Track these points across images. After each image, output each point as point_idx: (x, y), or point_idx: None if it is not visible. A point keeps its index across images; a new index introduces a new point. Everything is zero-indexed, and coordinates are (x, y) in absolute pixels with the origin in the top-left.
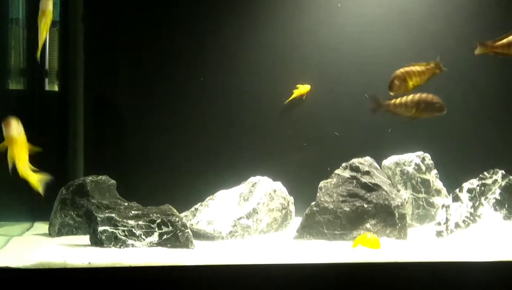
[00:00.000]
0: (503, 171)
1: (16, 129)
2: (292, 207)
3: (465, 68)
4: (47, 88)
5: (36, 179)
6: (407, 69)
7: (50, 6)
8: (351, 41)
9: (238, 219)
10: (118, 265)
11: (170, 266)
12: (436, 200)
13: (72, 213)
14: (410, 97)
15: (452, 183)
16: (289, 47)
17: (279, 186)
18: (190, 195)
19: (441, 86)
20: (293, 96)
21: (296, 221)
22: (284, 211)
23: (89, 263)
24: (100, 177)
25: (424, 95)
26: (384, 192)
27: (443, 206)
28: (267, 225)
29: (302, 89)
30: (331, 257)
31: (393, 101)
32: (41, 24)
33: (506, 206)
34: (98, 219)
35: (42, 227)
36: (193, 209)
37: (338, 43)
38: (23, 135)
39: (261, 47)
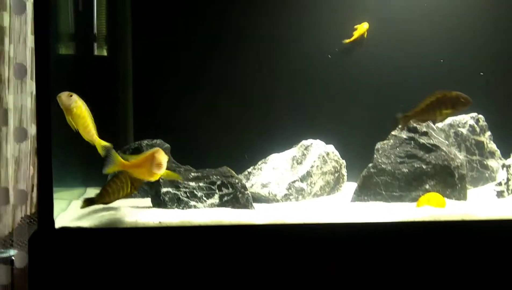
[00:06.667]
0: None
1: (67, 101)
2: (344, 171)
3: None
4: (96, 52)
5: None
6: None
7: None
8: None
9: (292, 182)
10: (188, 224)
11: (240, 225)
12: (490, 162)
13: None
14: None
15: (506, 145)
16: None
17: (331, 149)
18: (242, 160)
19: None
20: (354, 37)
21: (347, 185)
22: (336, 175)
23: (159, 222)
24: (155, 140)
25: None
26: (443, 153)
27: (503, 166)
28: (320, 188)
29: (360, 28)
30: (399, 216)
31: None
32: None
33: None
34: (161, 180)
35: (96, 192)
36: (246, 172)
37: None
38: (78, 105)
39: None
